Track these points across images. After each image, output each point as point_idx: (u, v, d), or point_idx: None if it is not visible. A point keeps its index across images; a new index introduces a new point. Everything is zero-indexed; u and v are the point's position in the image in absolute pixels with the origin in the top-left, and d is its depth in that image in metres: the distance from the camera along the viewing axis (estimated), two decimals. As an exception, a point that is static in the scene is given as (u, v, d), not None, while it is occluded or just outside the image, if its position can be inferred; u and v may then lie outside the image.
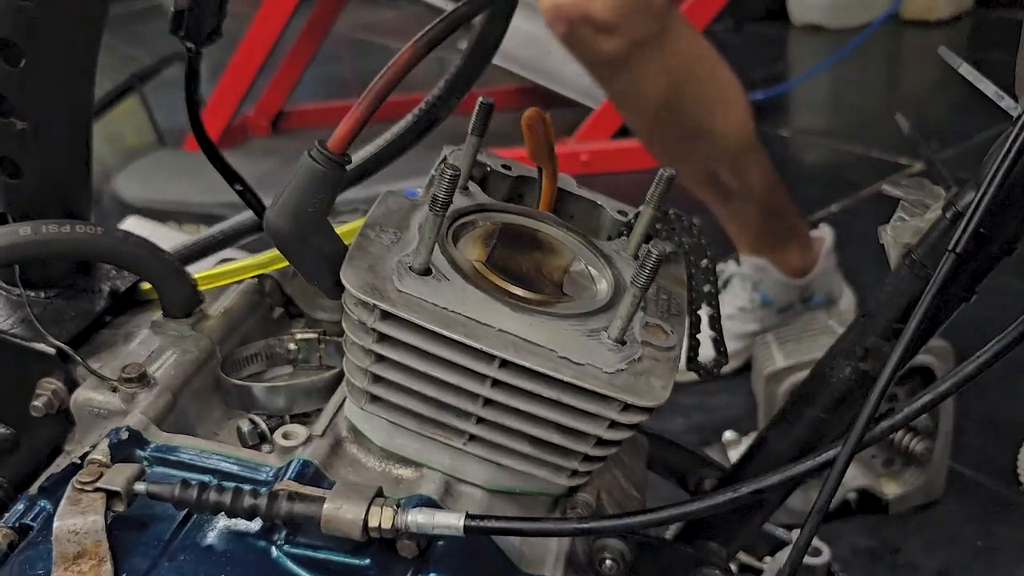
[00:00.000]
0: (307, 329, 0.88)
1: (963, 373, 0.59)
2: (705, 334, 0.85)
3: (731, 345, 1.90)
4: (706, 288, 0.81)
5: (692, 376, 1.94)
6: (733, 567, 1.26)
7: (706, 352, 0.86)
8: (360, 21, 4.51)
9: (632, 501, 0.78)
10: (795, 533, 1.30)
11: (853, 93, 3.58)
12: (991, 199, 0.58)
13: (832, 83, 3.57)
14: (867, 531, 1.51)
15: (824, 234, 1.97)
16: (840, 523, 1.51)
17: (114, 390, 0.74)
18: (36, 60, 0.69)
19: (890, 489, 1.52)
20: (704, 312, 0.83)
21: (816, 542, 1.28)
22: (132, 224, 1.73)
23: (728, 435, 1.60)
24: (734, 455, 1.60)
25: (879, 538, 1.50)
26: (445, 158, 0.80)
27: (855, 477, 1.50)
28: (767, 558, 1.29)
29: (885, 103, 3.40)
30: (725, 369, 1.95)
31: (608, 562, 0.74)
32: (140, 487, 0.63)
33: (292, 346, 0.86)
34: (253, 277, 0.88)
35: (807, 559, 1.27)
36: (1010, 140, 0.57)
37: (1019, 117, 0.58)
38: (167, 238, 1.00)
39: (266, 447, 0.74)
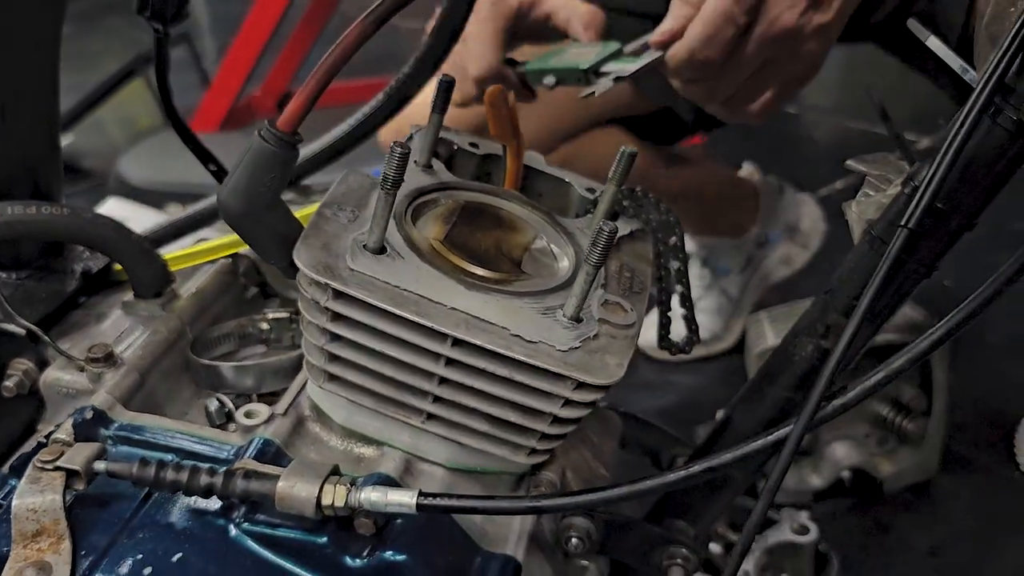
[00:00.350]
0: (279, 309, 0.88)
1: (917, 350, 0.59)
2: (676, 312, 0.84)
3: (712, 321, 1.89)
4: (675, 265, 0.81)
5: (691, 355, 1.93)
6: (717, 546, 1.27)
7: (679, 330, 0.86)
8: (367, 3, 4.50)
9: (600, 480, 0.78)
10: (784, 512, 1.30)
11: (864, 71, 3.54)
12: (945, 174, 0.57)
13: (843, 60, 3.52)
14: (860, 510, 1.50)
15: (749, 171, 1.89)
16: (833, 502, 1.51)
17: (81, 370, 0.74)
18: (2, 43, 0.69)
19: (884, 468, 1.51)
20: (675, 289, 0.82)
21: (804, 520, 1.28)
22: (112, 205, 1.73)
23: (721, 414, 1.59)
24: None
25: (872, 517, 1.49)
26: (411, 136, 0.79)
27: (849, 456, 1.50)
28: (757, 537, 1.29)
29: (895, 81, 3.35)
30: (719, 347, 1.94)
31: (574, 540, 0.75)
32: (100, 466, 0.64)
33: (264, 326, 0.86)
34: (226, 257, 0.88)
35: (795, 537, 1.27)
36: (964, 113, 0.56)
37: (974, 92, 0.57)
38: (146, 220, 1.01)
39: (232, 425, 0.75)
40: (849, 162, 0.73)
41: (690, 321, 0.85)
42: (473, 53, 0.94)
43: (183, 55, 3.31)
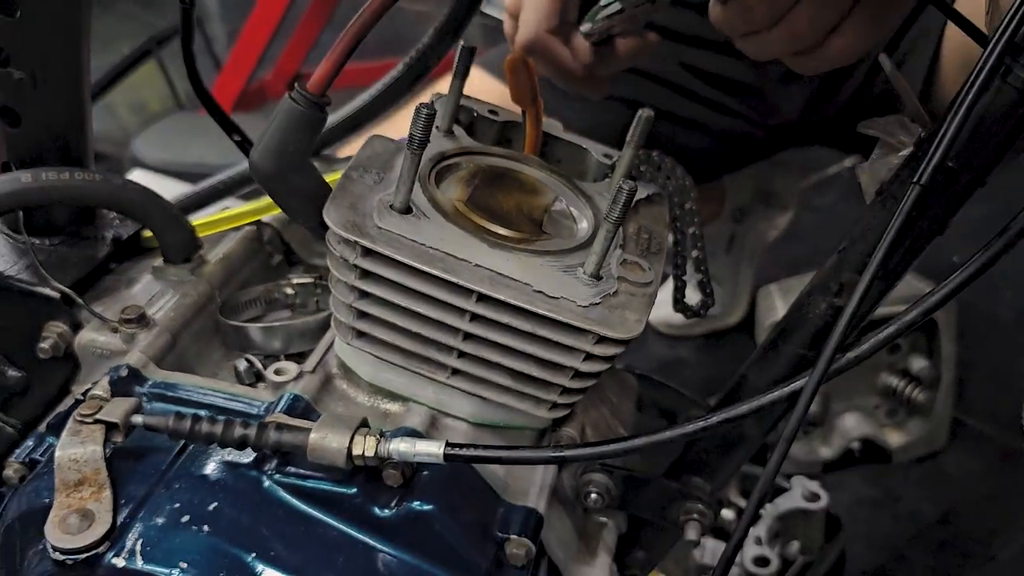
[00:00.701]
0: (304, 274, 0.90)
1: (928, 303, 0.60)
2: (692, 276, 0.86)
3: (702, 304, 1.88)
4: (691, 230, 0.83)
5: (702, 330, 1.95)
6: (731, 513, 1.29)
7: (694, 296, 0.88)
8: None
9: (616, 437, 0.80)
10: (795, 480, 1.32)
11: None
12: (955, 131, 0.58)
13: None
14: (870, 480, 1.52)
15: None
16: (843, 473, 1.53)
17: (115, 331, 0.77)
18: (31, 9, 0.71)
19: (893, 439, 1.54)
20: (690, 254, 0.84)
21: (815, 488, 1.30)
22: (137, 176, 1.75)
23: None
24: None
25: (882, 487, 1.51)
26: (433, 102, 0.81)
27: (858, 427, 1.52)
28: (767, 504, 1.31)
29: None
30: (728, 321, 1.95)
31: (593, 495, 0.77)
32: (137, 419, 0.66)
33: (289, 291, 0.88)
34: (252, 224, 0.91)
35: (806, 504, 1.29)
36: (975, 71, 0.58)
37: (986, 49, 0.58)
38: (170, 190, 1.03)
39: (262, 385, 0.77)
40: (861, 125, 0.74)
41: (704, 285, 0.86)
42: (524, 19, 0.92)
43: (196, 37, 3.33)
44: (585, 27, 0.92)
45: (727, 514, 1.32)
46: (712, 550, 1.26)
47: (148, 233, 0.88)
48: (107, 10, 4.39)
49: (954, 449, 1.54)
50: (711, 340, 1.86)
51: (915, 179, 0.59)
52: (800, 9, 0.75)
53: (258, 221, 0.92)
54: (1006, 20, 0.57)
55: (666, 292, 0.87)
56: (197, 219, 0.89)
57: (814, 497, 1.28)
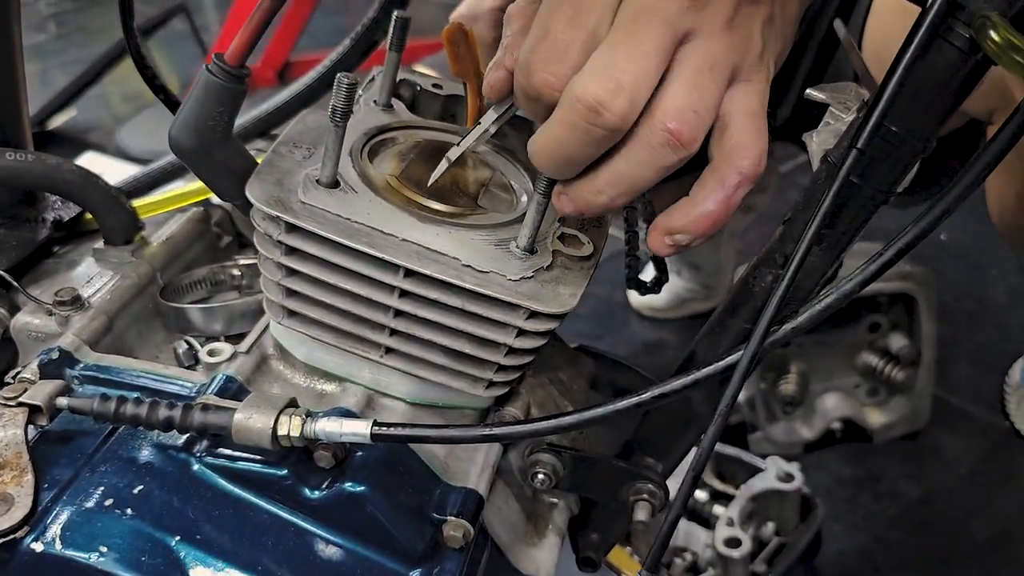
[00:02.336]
0: (252, 256, 0.89)
1: (867, 272, 0.59)
2: (647, 253, 0.84)
3: (695, 285, 1.86)
4: (641, 204, 0.81)
5: (684, 312, 1.92)
6: (704, 494, 1.27)
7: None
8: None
9: (564, 416, 0.78)
10: (770, 460, 1.30)
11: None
12: (894, 94, 0.56)
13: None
14: (851, 460, 1.51)
15: None
16: (823, 453, 1.51)
17: (50, 314, 0.75)
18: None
19: (874, 419, 1.52)
20: (641, 229, 0.82)
21: (789, 468, 1.29)
22: (88, 159, 1.73)
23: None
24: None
25: (863, 467, 1.49)
26: (373, 78, 0.79)
27: (838, 407, 1.50)
28: (741, 485, 1.30)
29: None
30: (711, 303, 1.93)
31: (540, 476, 0.75)
32: (62, 401, 0.64)
33: (236, 272, 0.87)
34: (198, 206, 0.89)
35: (779, 485, 1.27)
36: (913, 30, 0.56)
37: (923, 9, 0.56)
38: (122, 173, 1.01)
39: (200, 367, 0.75)
40: (809, 91, 0.72)
41: (658, 261, 0.84)
42: None
43: (184, 28, 3.31)
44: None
45: (701, 495, 1.31)
46: (684, 532, 1.25)
47: (91, 216, 0.86)
48: (95, 2, 4.39)
49: (936, 428, 1.52)
50: (693, 322, 1.84)
51: (852, 142, 0.57)
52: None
53: (206, 202, 0.90)
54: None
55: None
56: (143, 200, 0.87)
57: (788, 477, 1.26)
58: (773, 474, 1.26)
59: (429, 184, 0.65)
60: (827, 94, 0.72)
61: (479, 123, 0.65)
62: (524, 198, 0.71)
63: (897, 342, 1.45)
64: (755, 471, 1.28)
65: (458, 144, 0.65)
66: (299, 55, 3.57)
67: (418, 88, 0.80)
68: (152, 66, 0.86)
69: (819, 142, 0.71)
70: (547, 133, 0.56)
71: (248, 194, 0.62)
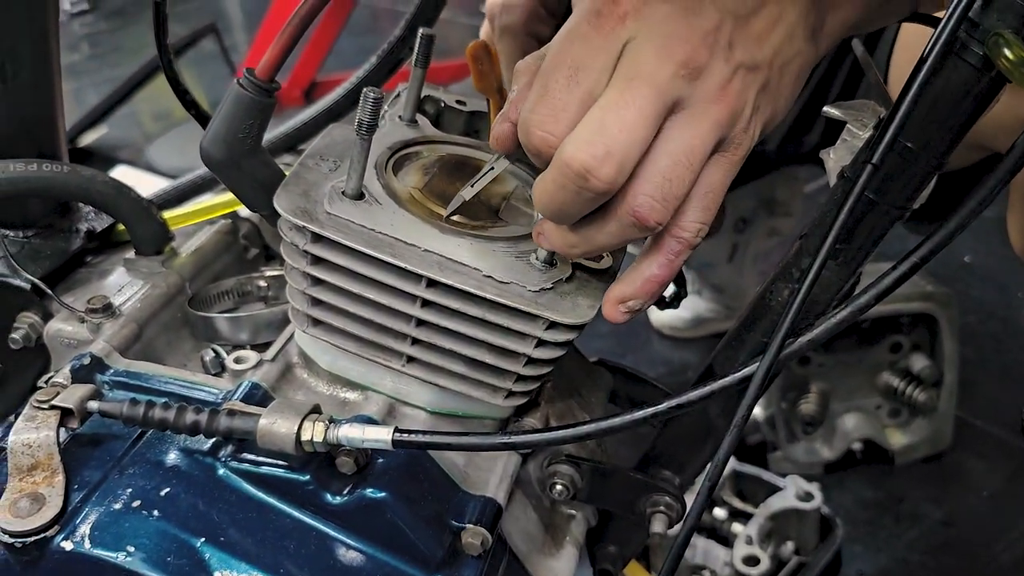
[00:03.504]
0: (278, 267, 0.90)
1: (881, 286, 0.59)
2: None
3: (717, 304, 1.85)
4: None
5: (706, 332, 1.92)
6: (723, 512, 1.27)
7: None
8: (390, -6, 4.55)
9: (582, 428, 0.79)
10: (789, 479, 1.30)
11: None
12: (909, 110, 0.57)
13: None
14: (872, 481, 1.50)
15: None
16: (844, 473, 1.51)
17: (82, 321, 0.77)
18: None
19: (896, 440, 1.51)
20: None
21: (808, 487, 1.28)
22: (120, 172, 1.76)
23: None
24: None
25: (884, 488, 1.48)
26: (398, 94, 0.81)
27: (859, 427, 1.49)
28: (760, 504, 1.29)
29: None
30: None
31: (558, 487, 0.76)
32: (93, 405, 0.66)
33: (262, 283, 0.88)
34: (226, 218, 0.91)
35: (799, 504, 1.27)
36: (928, 49, 0.57)
37: (939, 27, 0.57)
38: (154, 185, 1.04)
39: (227, 374, 0.77)
40: (827, 108, 0.73)
41: (677, 276, 0.85)
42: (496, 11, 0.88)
43: (213, 48, 3.37)
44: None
45: (720, 513, 1.31)
46: (703, 549, 1.25)
47: (123, 227, 0.89)
48: (130, 21, 4.48)
49: (959, 450, 1.51)
50: (715, 342, 1.84)
51: (867, 158, 0.58)
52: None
53: (234, 215, 0.92)
54: (960, -6, 0.56)
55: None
56: (173, 212, 0.89)
57: (808, 497, 1.26)
58: (792, 493, 1.25)
59: (446, 216, 0.67)
60: (844, 111, 0.73)
61: (492, 166, 0.66)
62: (544, 212, 0.72)
63: (919, 363, 1.44)
64: (774, 490, 1.27)
65: (471, 184, 0.66)
66: (325, 75, 3.63)
67: (442, 104, 0.82)
68: (184, 83, 0.89)
69: (836, 159, 0.72)
70: (543, 186, 0.57)
71: (276, 204, 0.63)
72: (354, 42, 3.97)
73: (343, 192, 0.65)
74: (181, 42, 3.18)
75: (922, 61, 0.57)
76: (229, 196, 0.88)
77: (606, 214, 0.58)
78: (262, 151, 0.66)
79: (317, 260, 0.65)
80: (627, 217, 0.57)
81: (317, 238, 0.63)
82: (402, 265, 0.62)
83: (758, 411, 1.51)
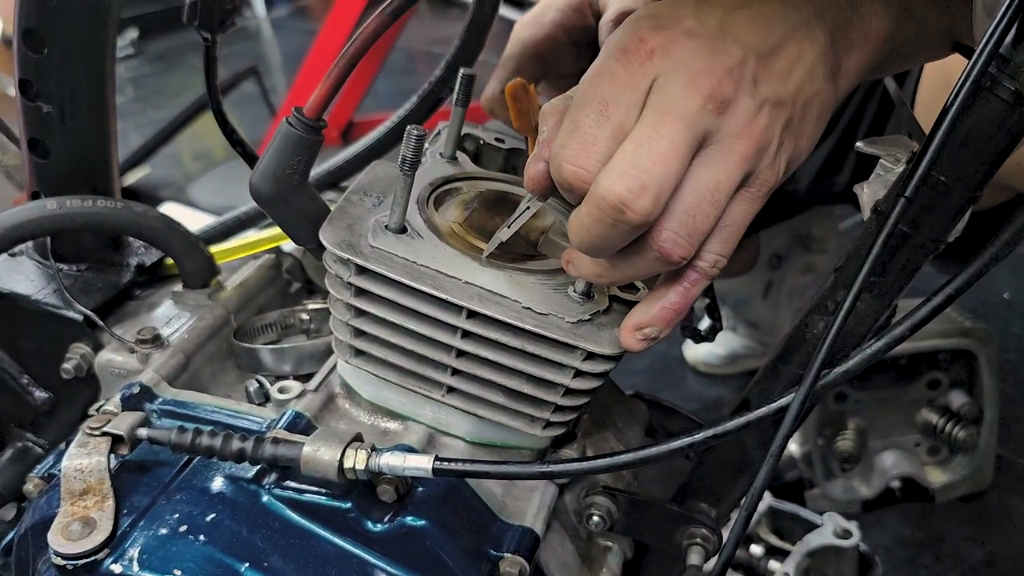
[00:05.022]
0: (320, 301, 0.93)
1: (918, 316, 0.60)
2: (699, 300, 0.86)
3: (751, 341, 1.84)
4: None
5: (740, 369, 1.91)
6: (760, 549, 1.26)
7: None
8: (434, 35, 4.63)
9: (619, 459, 0.80)
10: (827, 516, 1.29)
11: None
12: (941, 145, 0.58)
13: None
14: (912, 520, 1.48)
15: None
16: (883, 512, 1.49)
17: (131, 351, 0.80)
18: (59, 47, 0.76)
19: (936, 478, 1.49)
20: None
21: (847, 524, 1.27)
22: (167, 208, 1.80)
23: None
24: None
25: (924, 528, 1.46)
26: (439, 132, 0.84)
27: (898, 465, 1.48)
28: (798, 541, 1.28)
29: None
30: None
31: (595, 519, 0.77)
32: (142, 432, 0.68)
33: (304, 316, 0.90)
34: (270, 252, 0.94)
35: (837, 541, 1.26)
36: (960, 84, 0.58)
37: (970, 63, 0.58)
38: (198, 220, 1.07)
39: (270, 405, 0.79)
40: (859, 144, 0.74)
41: (712, 310, 0.86)
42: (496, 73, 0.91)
43: (253, 90, 3.45)
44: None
45: (756, 550, 1.29)
46: (738, 587, 1.24)
47: (171, 261, 0.91)
48: (174, 65, 4.61)
49: (1000, 488, 1.49)
50: (750, 379, 1.83)
51: (901, 191, 0.59)
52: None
53: (277, 249, 0.95)
54: (992, 30, 0.57)
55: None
56: (219, 247, 0.92)
57: (846, 534, 1.25)
58: (830, 530, 1.24)
59: (484, 255, 0.68)
60: (877, 147, 0.74)
61: (528, 205, 0.67)
62: (581, 245, 0.74)
63: (958, 400, 1.43)
64: (812, 527, 1.26)
65: (508, 225, 0.67)
66: (362, 115, 3.69)
67: (481, 142, 0.84)
68: (230, 123, 0.92)
69: (870, 193, 0.73)
70: (579, 221, 0.58)
71: (321, 238, 0.66)
72: (391, 83, 4.05)
73: (386, 226, 0.67)
74: (223, 84, 3.27)
75: (955, 95, 0.58)
76: (273, 232, 0.91)
77: (632, 247, 0.59)
78: (309, 187, 0.69)
79: (360, 292, 0.67)
80: (652, 252, 0.58)
81: (361, 270, 0.65)
82: (443, 297, 0.64)
83: (795, 448, 1.50)
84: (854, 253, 0.69)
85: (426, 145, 0.84)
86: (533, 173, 0.61)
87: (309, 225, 0.69)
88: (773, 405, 0.62)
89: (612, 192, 0.55)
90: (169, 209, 1.77)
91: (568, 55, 0.91)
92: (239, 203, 2.78)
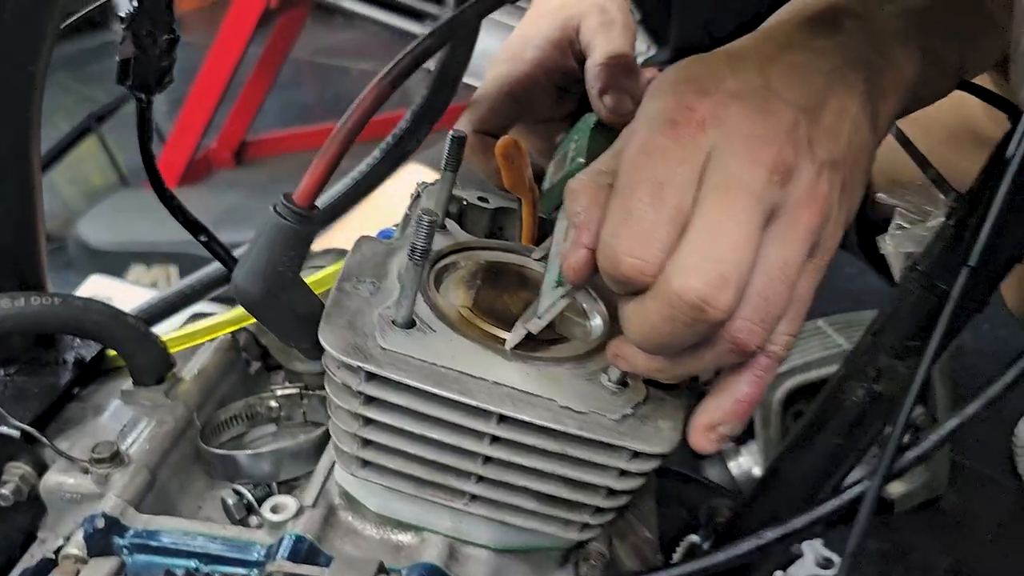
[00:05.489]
0: (287, 385, 0.83)
1: (991, 392, 0.56)
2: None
3: None
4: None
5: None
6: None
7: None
8: (318, 45, 4.46)
9: (647, 544, 0.74)
10: (806, 545, 1.27)
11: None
12: (1001, 208, 0.54)
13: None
14: (875, 532, 1.48)
15: None
16: (847, 528, 1.48)
17: (86, 472, 0.69)
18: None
19: (894, 488, 1.49)
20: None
21: (828, 553, 1.25)
22: (94, 282, 1.66)
23: (727, 446, 1.56)
24: (733, 465, 1.57)
25: (890, 540, 1.46)
26: (419, 195, 0.76)
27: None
28: (777, 572, 1.26)
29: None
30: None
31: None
32: (123, 586, 0.58)
33: (273, 404, 0.81)
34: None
35: (819, 572, 1.23)
36: (1016, 143, 0.54)
37: (1019, 119, 0.55)
38: (132, 297, 0.95)
39: (254, 518, 0.70)
40: (879, 195, 0.70)
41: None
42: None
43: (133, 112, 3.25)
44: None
45: (740, 588, 1.26)
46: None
47: (113, 352, 0.80)
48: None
49: (955, 493, 1.51)
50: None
51: (966, 261, 0.55)
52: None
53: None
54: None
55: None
56: (170, 333, 0.82)
57: (827, 563, 1.23)
58: (812, 560, 1.22)
59: (507, 347, 0.61)
60: (898, 197, 0.70)
61: (559, 299, 0.59)
62: (597, 320, 0.67)
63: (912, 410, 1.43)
64: (792, 557, 1.24)
65: (538, 316, 0.60)
66: (256, 134, 3.53)
67: (464, 202, 0.77)
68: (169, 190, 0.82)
69: (895, 244, 0.69)
70: (642, 318, 0.52)
71: (323, 342, 0.57)
72: (278, 97, 3.88)
73: (393, 321, 0.59)
74: (103, 109, 3.06)
75: (1012, 155, 0.54)
76: (232, 313, 0.81)
77: (700, 340, 0.53)
78: (300, 281, 0.60)
79: (371, 399, 0.58)
80: (724, 344, 0.53)
81: (372, 376, 0.57)
82: (473, 403, 0.56)
83: (757, 470, 1.48)
84: (895, 318, 0.65)
85: (407, 211, 0.77)
86: (575, 263, 0.54)
87: (302, 323, 0.61)
88: (847, 496, 0.57)
89: (690, 289, 0.49)
90: (96, 284, 1.61)
91: (547, 98, 0.84)
92: (135, 237, 2.59)
